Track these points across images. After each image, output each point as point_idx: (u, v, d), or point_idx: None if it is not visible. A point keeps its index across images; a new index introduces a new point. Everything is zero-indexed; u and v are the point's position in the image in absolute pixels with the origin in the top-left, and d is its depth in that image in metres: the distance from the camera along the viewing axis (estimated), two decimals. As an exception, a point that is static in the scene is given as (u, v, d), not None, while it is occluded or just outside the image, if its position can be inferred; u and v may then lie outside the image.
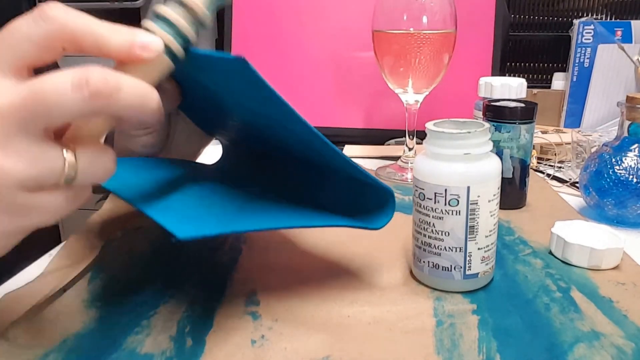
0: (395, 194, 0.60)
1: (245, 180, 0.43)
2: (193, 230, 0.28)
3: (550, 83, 0.99)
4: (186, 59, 0.28)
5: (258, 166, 0.45)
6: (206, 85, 0.35)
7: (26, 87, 0.23)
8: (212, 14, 0.28)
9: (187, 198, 0.36)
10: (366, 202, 0.38)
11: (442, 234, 0.36)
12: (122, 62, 0.26)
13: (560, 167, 0.71)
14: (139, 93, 0.25)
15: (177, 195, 0.36)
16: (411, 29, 0.58)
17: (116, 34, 0.25)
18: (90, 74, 0.23)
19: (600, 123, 0.90)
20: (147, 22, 0.27)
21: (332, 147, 0.32)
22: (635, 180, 0.49)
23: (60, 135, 0.26)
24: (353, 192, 0.38)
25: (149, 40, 0.26)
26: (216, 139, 0.51)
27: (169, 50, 0.26)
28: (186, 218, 0.31)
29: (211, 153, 0.53)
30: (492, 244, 0.37)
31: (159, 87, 0.29)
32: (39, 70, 0.25)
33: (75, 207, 0.27)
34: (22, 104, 0.23)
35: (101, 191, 0.57)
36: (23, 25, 0.25)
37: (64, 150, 0.25)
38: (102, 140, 0.27)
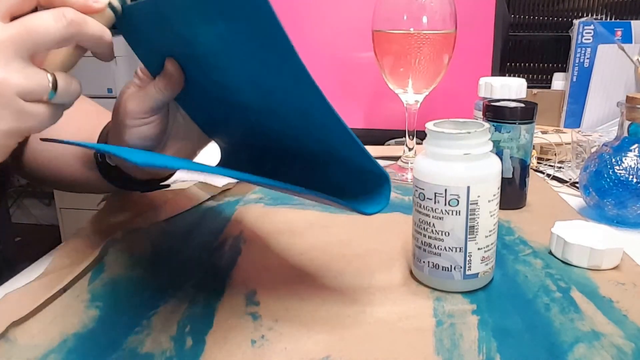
0: (395, 194, 0.60)
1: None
2: (153, 159, 0.28)
3: (550, 83, 0.99)
4: (195, 6, 0.32)
5: (256, 172, 0.45)
6: (208, 46, 0.34)
7: (17, 24, 0.31)
8: None
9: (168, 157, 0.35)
10: (361, 191, 0.37)
11: (442, 234, 0.36)
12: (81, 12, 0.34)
13: (560, 167, 0.71)
14: (99, 27, 0.34)
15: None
16: (411, 29, 0.58)
17: None
18: (65, 10, 0.32)
19: (600, 123, 0.90)
20: None
21: (333, 111, 0.31)
22: (635, 180, 0.49)
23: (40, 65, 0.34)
24: (349, 182, 0.38)
25: None
26: (214, 141, 0.51)
27: (110, 6, 0.36)
28: (152, 155, 0.31)
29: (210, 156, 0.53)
30: (492, 244, 0.37)
31: (163, 71, 0.40)
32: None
33: (55, 121, 0.35)
34: (18, 34, 0.31)
35: (103, 192, 0.57)
36: None
37: (48, 74, 0.33)
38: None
